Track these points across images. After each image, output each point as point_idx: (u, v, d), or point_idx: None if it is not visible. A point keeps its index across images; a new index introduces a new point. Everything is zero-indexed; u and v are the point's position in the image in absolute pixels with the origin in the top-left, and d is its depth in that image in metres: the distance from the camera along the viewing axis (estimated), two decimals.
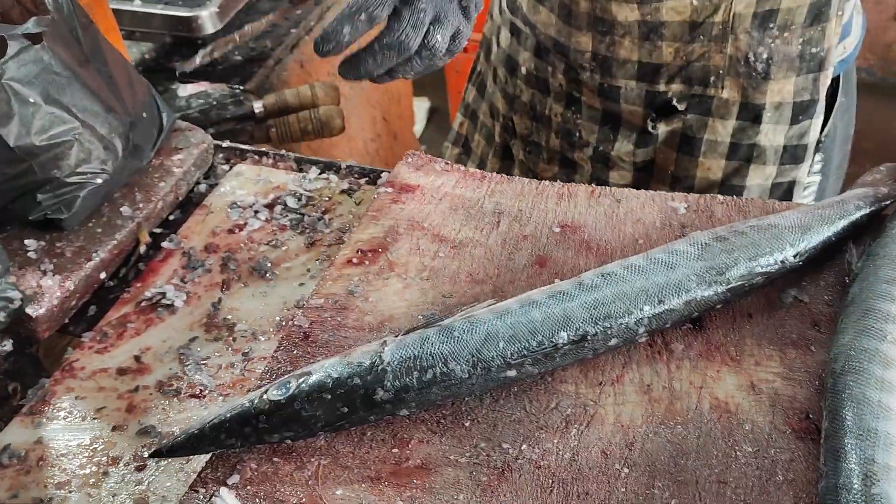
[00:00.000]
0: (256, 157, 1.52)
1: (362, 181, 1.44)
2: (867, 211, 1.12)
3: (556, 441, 0.97)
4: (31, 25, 1.27)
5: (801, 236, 1.07)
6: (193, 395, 1.15)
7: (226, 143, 1.55)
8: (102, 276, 1.32)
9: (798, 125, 1.52)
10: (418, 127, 4.18)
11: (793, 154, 1.54)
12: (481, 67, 1.89)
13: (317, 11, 2.47)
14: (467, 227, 1.25)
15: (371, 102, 2.78)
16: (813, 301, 1.08)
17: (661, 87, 1.51)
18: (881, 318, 0.94)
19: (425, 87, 4.26)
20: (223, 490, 0.88)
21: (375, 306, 1.15)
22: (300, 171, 1.48)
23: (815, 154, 1.59)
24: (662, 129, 1.55)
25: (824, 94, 1.51)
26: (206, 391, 1.15)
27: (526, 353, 0.97)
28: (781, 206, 1.21)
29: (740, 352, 1.04)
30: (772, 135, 1.52)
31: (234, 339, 1.21)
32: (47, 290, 1.24)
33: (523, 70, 1.67)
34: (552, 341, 0.98)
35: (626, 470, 0.94)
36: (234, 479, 0.98)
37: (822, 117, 1.54)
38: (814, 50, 1.45)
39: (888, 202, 1.14)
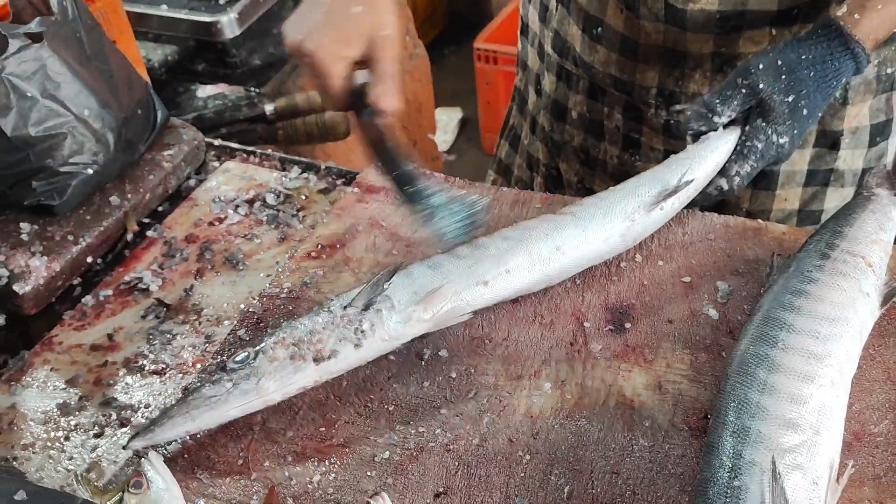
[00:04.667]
0: (245, 155, 1.61)
1: (339, 182, 1.52)
2: None
3: (468, 427, 1.04)
4: (33, 26, 1.38)
5: None
6: (155, 372, 1.23)
7: (217, 142, 1.64)
8: (89, 259, 1.42)
9: (876, 147, 1.49)
10: (449, 137, 4.26)
11: None
12: (514, 121, 1.84)
13: None
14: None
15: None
16: (731, 310, 1.14)
17: None
18: (777, 326, 0.99)
19: (458, 98, 4.34)
20: (151, 453, 0.97)
21: (326, 297, 1.23)
22: (283, 169, 1.56)
23: None
24: None
25: None
26: (168, 369, 1.24)
27: None
28: (718, 219, 1.27)
29: (654, 353, 1.10)
30: (850, 160, 1.48)
31: (200, 323, 1.30)
32: (34, 270, 1.34)
33: (574, 114, 1.60)
34: None
35: (528, 457, 1.00)
36: (174, 446, 1.08)
37: None
38: (889, 70, 1.43)
39: None
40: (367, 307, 1.08)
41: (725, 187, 1.23)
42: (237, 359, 1.04)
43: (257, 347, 1.05)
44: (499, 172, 1.88)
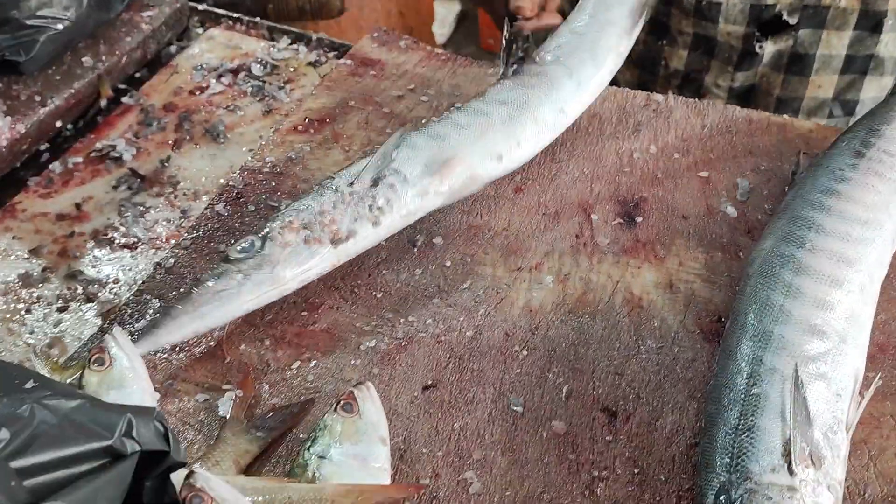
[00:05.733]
0: (231, 22, 1.49)
1: (331, 55, 1.41)
2: None
3: (461, 319, 0.96)
4: None
5: None
6: (126, 246, 1.15)
7: (202, 6, 1.52)
8: (58, 124, 1.31)
9: None
10: (446, 30, 4.09)
11: None
12: None
13: None
14: (421, 106, 1.23)
15: None
16: (751, 209, 1.05)
17: (770, 1, 1.36)
18: (805, 226, 0.91)
19: None
20: (116, 329, 0.88)
21: (313, 175, 1.14)
22: (272, 39, 1.45)
23: None
24: (770, 48, 1.40)
25: None
26: (140, 243, 1.15)
27: None
28: (741, 113, 1.17)
29: (667, 250, 1.01)
30: (892, 45, 1.39)
31: (176, 197, 1.21)
32: None
33: None
34: None
35: (525, 352, 0.93)
36: (142, 323, 0.99)
37: None
38: None
39: None
40: (375, 182, 0.98)
41: None
42: (240, 247, 0.93)
43: (262, 233, 0.94)
44: None
